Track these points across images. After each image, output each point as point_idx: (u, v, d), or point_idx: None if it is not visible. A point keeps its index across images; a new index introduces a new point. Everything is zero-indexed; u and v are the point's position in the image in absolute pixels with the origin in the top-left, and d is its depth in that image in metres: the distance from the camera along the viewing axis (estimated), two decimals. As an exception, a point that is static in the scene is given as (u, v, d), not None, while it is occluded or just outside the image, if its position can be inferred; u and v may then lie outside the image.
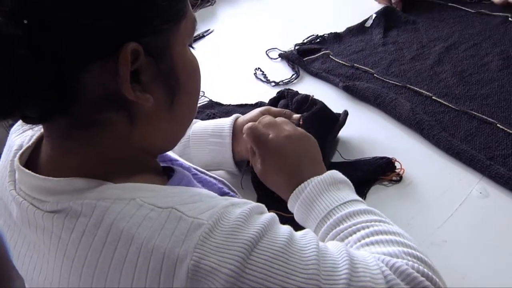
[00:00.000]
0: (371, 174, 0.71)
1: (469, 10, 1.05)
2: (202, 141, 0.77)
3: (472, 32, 0.99)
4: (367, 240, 0.48)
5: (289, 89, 0.86)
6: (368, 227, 0.50)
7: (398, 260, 0.44)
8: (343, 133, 0.81)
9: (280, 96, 0.86)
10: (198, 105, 1.02)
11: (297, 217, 0.58)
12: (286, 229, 0.42)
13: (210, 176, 0.62)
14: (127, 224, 0.39)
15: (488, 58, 0.90)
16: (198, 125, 0.79)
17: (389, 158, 0.73)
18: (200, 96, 1.04)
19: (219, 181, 0.62)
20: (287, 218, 0.68)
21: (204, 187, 0.54)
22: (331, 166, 0.68)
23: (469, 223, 0.64)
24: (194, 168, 0.61)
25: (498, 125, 0.75)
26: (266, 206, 0.68)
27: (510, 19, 0.98)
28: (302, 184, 0.57)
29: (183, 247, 0.37)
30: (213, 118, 0.95)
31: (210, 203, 0.41)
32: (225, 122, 0.76)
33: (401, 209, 0.68)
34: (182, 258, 0.37)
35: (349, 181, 0.58)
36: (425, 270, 0.44)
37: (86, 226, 0.40)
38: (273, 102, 0.86)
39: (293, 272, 0.38)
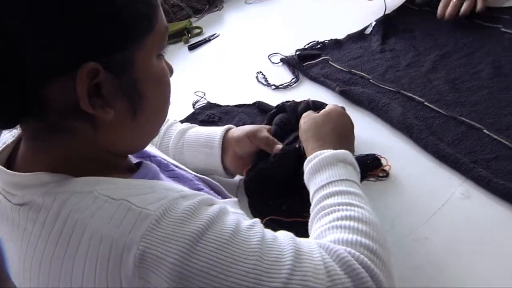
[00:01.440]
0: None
1: (465, 20, 1.08)
2: (195, 150, 0.81)
3: (466, 41, 1.02)
4: (336, 223, 0.52)
5: (287, 101, 0.89)
6: (344, 210, 0.54)
7: (341, 248, 0.47)
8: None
9: (278, 110, 0.89)
10: (198, 106, 1.07)
11: (305, 178, 0.64)
12: (233, 220, 0.45)
13: (194, 175, 0.65)
14: (81, 215, 0.42)
15: (480, 67, 0.93)
16: (193, 132, 0.83)
17: (375, 154, 0.77)
18: (200, 97, 1.09)
19: (200, 178, 0.65)
20: (286, 223, 0.72)
21: (180, 182, 0.58)
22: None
23: (451, 222, 0.67)
24: (173, 164, 0.65)
25: (484, 130, 0.78)
26: (261, 213, 0.73)
27: (502, 29, 1.01)
28: (318, 152, 0.64)
29: (130, 236, 0.39)
30: (213, 118, 1.00)
31: (161, 195, 0.43)
32: (216, 134, 0.80)
33: (387, 206, 0.71)
34: (129, 247, 0.39)
35: (357, 166, 0.65)
36: (371, 263, 0.46)
37: (46, 218, 0.43)
38: (272, 116, 0.87)
39: (236, 262, 0.41)
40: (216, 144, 0.79)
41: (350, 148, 0.71)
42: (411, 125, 0.82)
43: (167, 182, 0.50)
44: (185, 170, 0.66)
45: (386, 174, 0.76)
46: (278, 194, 0.77)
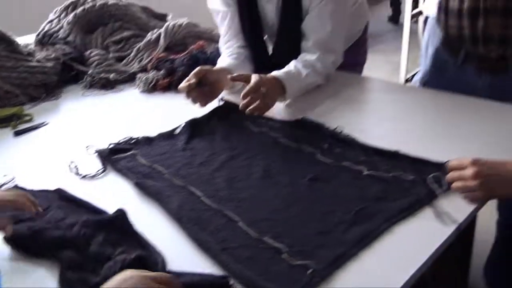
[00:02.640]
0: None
1: (255, 129, 1.28)
2: None
3: (252, 146, 1.21)
4: None
5: None
6: None
7: None
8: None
9: None
10: (4, 189, 1.11)
11: None
12: None
13: None
14: None
15: (256, 169, 1.11)
16: None
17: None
18: (8, 181, 1.14)
19: None
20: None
21: None
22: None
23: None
24: None
25: (239, 223, 0.94)
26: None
27: (279, 139, 1.22)
28: None
29: None
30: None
31: None
32: None
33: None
34: None
35: None
36: None
37: None
38: None
39: None
40: None
41: None
42: (182, 216, 0.95)
43: None
44: None
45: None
46: None
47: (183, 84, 1.34)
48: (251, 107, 1.23)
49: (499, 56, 1.35)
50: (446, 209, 0.92)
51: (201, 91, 1.36)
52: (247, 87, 1.25)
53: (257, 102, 1.23)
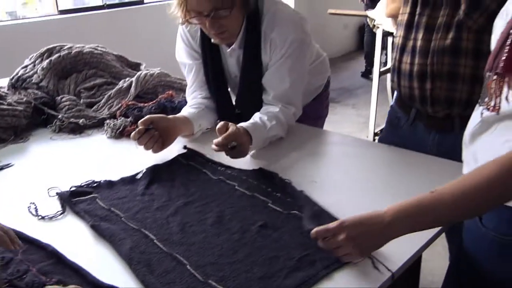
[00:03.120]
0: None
1: (213, 177, 1.34)
2: None
3: (208, 193, 1.26)
4: None
5: None
6: None
7: None
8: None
9: None
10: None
11: None
12: None
13: None
14: None
15: (209, 215, 1.16)
16: None
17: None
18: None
19: None
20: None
21: None
22: None
23: None
24: None
25: (187, 266, 0.98)
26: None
27: (236, 187, 1.28)
28: None
29: None
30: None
31: None
32: None
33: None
34: None
35: None
36: None
37: None
38: None
39: None
40: None
41: None
42: (133, 258, 0.99)
43: None
44: None
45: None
46: None
47: (133, 132, 1.42)
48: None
49: (445, 115, 1.44)
50: (381, 259, 0.97)
51: (152, 138, 1.43)
52: (221, 138, 1.32)
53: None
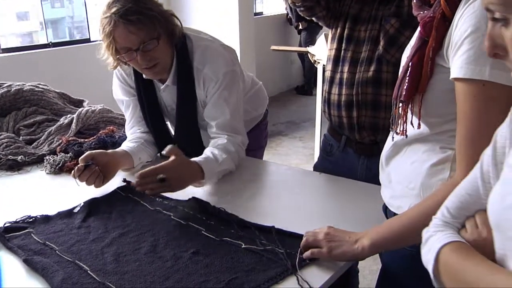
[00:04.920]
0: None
1: (150, 208, 1.38)
2: None
3: (144, 223, 1.30)
4: None
5: None
6: None
7: None
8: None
9: None
10: None
11: None
12: None
13: None
14: None
15: (144, 244, 1.19)
16: None
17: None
18: None
19: None
20: None
21: None
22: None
23: None
24: None
25: (120, 294, 1.00)
26: None
27: (172, 217, 1.32)
28: None
29: None
30: None
31: None
32: None
33: None
34: None
35: None
36: None
37: None
38: None
39: None
40: None
41: None
42: (64, 289, 1.01)
43: None
44: None
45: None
46: None
47: (73, 170, 1.45)
48: (144, 187, 1.33)
49: (371, 141, 1.55)
50: (306, 278, 1.03)
51: (93, 174, 1.46)
52: (144, 171, 1.35)
53: (151, 184, 1.34)
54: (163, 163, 1.37)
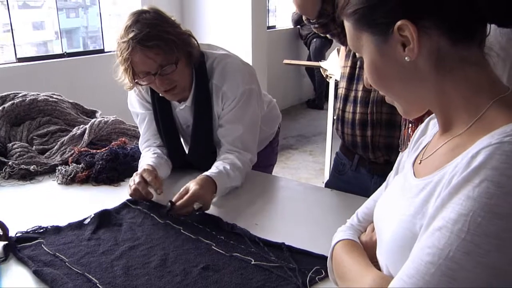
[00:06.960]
0: None
1: (160, 221, 1.37)
2: None
3: (154, 237, 1.29)
4: None
5: None
6: None
7: None
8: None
9: None
10: None
11: None
12: None
13: None
14: None
15: (153, 258, 1.19)
16: None
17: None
18: None
19: None
20: None
21: None
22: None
23: None
24: None
25: (128, 308, 1.00)
26: None
27: (182, 231, 1.31)
28: None
29: None
30: None
31: None
32: None
33: None
34: None
35: None
36: None
37: None
38: None
39: None
40: None
41: None
42: (73, 302, 1.00)
43: None
44: None
45: None
46: None
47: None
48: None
49: (385, 161, 1.53)
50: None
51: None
52: (181, 202, 1.37)
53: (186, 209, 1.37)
54: (193, 189, 1.38)
